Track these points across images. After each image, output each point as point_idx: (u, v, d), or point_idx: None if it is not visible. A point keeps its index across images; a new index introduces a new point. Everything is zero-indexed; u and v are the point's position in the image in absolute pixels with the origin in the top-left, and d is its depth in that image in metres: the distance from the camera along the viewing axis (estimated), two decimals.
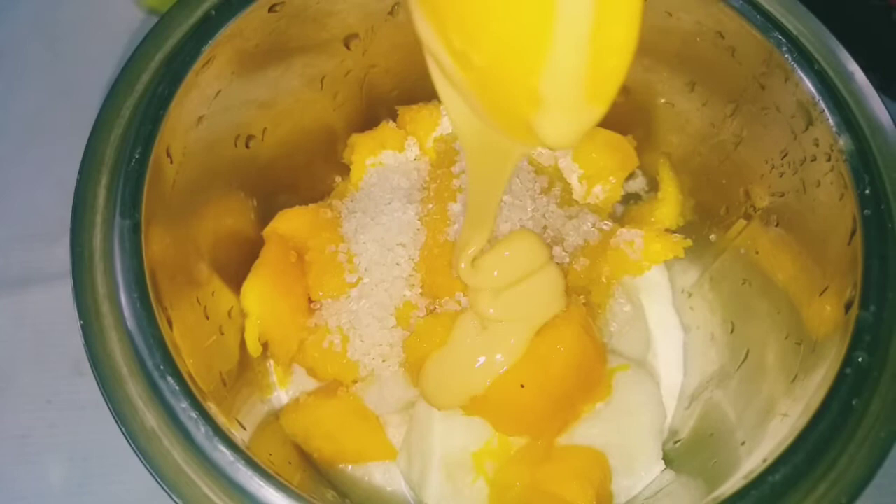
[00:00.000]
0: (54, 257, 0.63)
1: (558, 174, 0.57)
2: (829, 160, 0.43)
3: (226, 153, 0.50)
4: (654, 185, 0.60)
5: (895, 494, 0.54)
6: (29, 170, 0.67)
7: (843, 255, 0.41)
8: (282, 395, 0.56)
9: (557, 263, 0.50)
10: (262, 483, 0.36)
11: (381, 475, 0.53)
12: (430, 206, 0.53)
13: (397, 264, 0.51)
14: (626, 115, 0.57)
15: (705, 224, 0.57)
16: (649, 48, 0.51)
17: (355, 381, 0.52)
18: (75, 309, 0.39)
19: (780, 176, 0.47)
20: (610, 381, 0.51)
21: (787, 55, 0.44)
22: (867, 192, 0.41)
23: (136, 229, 0.40)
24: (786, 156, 0.46)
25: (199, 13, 0.45)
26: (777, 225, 0.49)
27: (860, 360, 0.38)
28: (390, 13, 0.52)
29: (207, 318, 0.46)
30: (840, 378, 0.38)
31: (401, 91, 0.58)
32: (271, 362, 0.56)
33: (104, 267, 0.39)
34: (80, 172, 0.41)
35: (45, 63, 0.71)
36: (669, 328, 0.59)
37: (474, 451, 0.49)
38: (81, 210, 0.40)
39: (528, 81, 0.27)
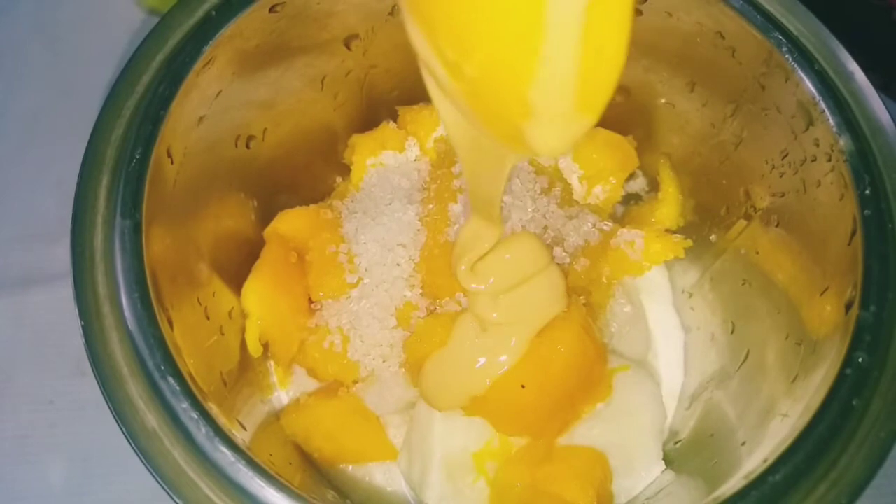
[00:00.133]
0: (54, 257, 0.63)
1: (559, 174, 0.57)
2: (829, 160, 0.43)
3: (226, 153, 0.50)
4: (654, 186, 0.60)
5: (895, 494, 0.54)
6: (29, 170, 0.67)
7: (844, 255, 0.41)
8: (282, 396, 0.56)
9: (558, 264, 0.50)
10: (262, 483, 0.36)
11: (382, 475, 0.53)
12: (431, 206, 0.53)
13: (398, 265, 0.51)
14: (627, 116, 0.57)
15: (706, 224, 0.57)
16: (649, 48, 0.52)
17: (356, 382, 0.52)
18: (76, 309, 0.39)
19: (781, 176, 0.47)
20: (610, 381, 0.51)
21: (787, 55, 0.44)
22: (867, 192, 0.41)
23: (136, 229, 0.40)
24: (786, 156, 0.46)
25: (199, 13, 0.45)
26: (777, 225, 0.49)
27: (860, 360, 0.38)
28: (391, 14, 0.52)
29: (208, 318, 0.46)
30: (840, 378, 0.38)
31: (401, 91, 0.58)
32: (272, 363, 0.56)
33: (105, 267, 0.39)
34: (81, 173, 0.41)
35: (45, 63, 0.71)
36: (670, 328, 0.59)
37: (475, 451, 0.49)
38: (82, 210, 0.40)
39: (518, 92, 0.27)
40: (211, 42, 0.44)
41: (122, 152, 0.41)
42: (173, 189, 0.43)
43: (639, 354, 0.55)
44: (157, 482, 0.36)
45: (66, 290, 0.39)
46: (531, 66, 0.26)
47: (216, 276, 0.48)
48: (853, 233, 0.41)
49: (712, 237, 0.57)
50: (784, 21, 0.45)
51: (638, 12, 0.49)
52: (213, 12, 0.45)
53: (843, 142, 0.42)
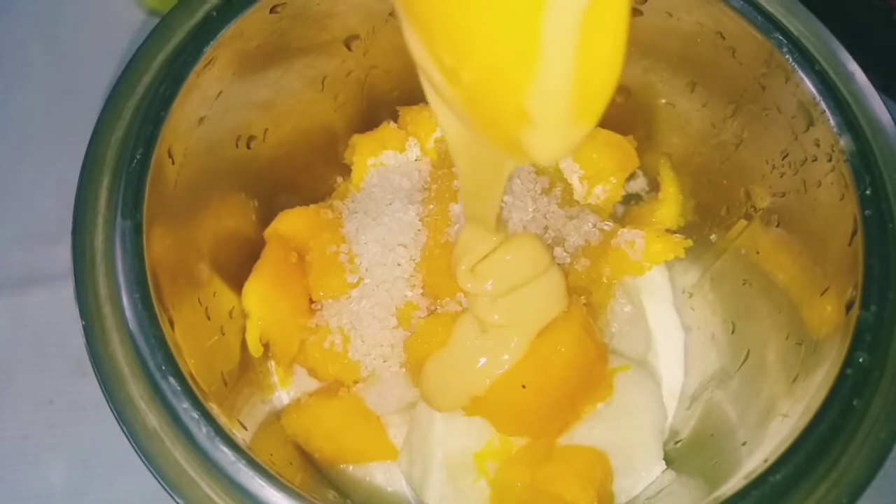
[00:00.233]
0: (55, 258, 0.63)
1: (559, 175, 0.57)
2: (829, 160, 0.43)
3: (227, 154, 0.50)
4: (654, 186, 0.60)
5: (895, 495, 0.54)
6: (29, 170, 0.67)
7: (844, 255, 0.41)
8: (283, 396, 0.56)
9: (559, 264, 0.50)
10: (263, 483, 0.36)
11: (383, 475, 0.53)
12: (432, 206, 0.53)
13: (398, 265, 0.51)
14: (627, 116, 0.57)
15: (706, 224, 0.57)
16: (650, 49, 0.52)
17: (356, 382, 0.52)
18: (76, 309, 0.39)
19: (781, 176, 0.47)
20: (611, 381, 0.51)
21: (787, 56, 0.44)
22: (868, 192, 0.41)
23: (137, 230, 0.40)
24: (786, 156, 0.47)
25: (200, 14, 0.45)
26: (778, 225, 0.49)
27: (861, 360, 0.38)
28: (391, 14, 0.52)
29: (209, 318, 0.46)
30: (841, 378, 0.38)
31: (402, 92, 0.58)
32: (272, 363, 0.56)
33: (106, 268, 0.39)
34: (82, 173, 0.41)
35: (45, 63, 0.71)
36: (670, 328, 0.59)
37: (475, 451, 0.49)
38: (83, 211, 0.40)
39: (515, 99, 0.27)
40: (212, 43, 0.44)
41: (122, 153, 0.41)
42: (174, 189, 0.43)
43: (639, 354, 0.55)
44: (158, 482, 0.36)
45: (67, 291, 0.39)
46: (528, 73, 0.26)
47: (217, 276, 0.48)
48: (854, 233, 0.41)
49: (713, 237, 0.57)
50: (784, 21, 0.45)
51: (638, 12, 0.49)
52: (214, 13, 0.45)
53: (844, 142, 0.42)
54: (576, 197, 0.57)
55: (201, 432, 0.37)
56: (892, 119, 0.43)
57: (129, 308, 0.38)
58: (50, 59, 0.71)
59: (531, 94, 0.27)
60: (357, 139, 0.58)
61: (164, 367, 0.37)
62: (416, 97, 0.58)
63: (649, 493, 0.50)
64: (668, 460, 0.51)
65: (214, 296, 0.48)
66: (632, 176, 0.60)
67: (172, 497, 0.36)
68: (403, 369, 0.51)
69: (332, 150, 0.59)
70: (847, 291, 0.40)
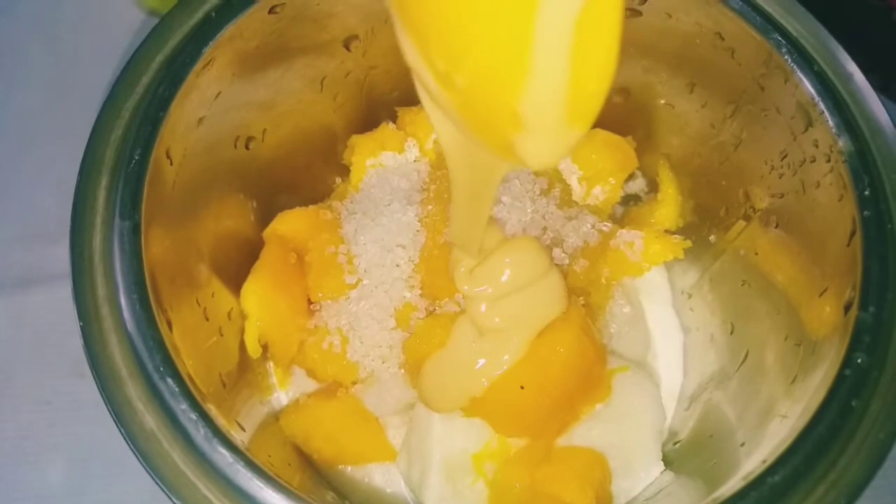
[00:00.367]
0: (54, 258, 0.63)
1: (558, 175, 0.57)
2: (828, 161, 0.43)
3: (226, 154, 0.50)
4: (653, 187, 0.60)
5: (894, 496, 0.54)
6: (29, 170, 0.67)
7: (843, 256, 0.41)
8: (281, 397, 0.56)
9: (557, 265, 0.50)
10: (261, 484, 0.36)
11: (381, 476, 0.53)
12: (430, 207, 0.53)
13: (397, 266, 0.51)
14: (626, 117, 0.57)
15: (705, 225, 0.57)
16: (649, 49, 0.52)
17: (355, 383, 0.52)
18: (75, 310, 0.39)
19: (780, 177, 0.47)
20: (609, 382, 0.50)
21: (786, 56, 0.44)
22: (867, 193, 0.41)
23: (135, 231, 0.40)
24: (785, 157, 0.46)
25: (199, 14, 0.45)
26: (776, 226, 0.49)
27: (859, 361, 0.38)
28: None
29: (207, 319, 0.46)
30: (839, 379, 0.38)
31: (401, 92, 0.58)
32: (271, 364, 0.56)
33: (104, 268, 0.39)
34: (80, 173, 0.41)
35: (45, 63, 0.71)
36: (669, 329, 0.59)
37: (474, 452, 0.49)
38: (81, 211, 0.40)
39: (509, 103, 0.27)
40: (211, 43, 0.44)
41: (121, 153, 0.41)
42: (172, 190, 0.43)
43: (638, 355, 0.55)
44: (156, 483, 0.36)
45: (66, 291, 0.39)
46: (521, 78, 0.26)
47: (215, 276, 0.48)
48: (852, 234, 0.41)
49: (711, 238, 0.57)
50: (783, 22, 0.45)
51: (637, 13, 0.49)
52: (213, 13, 0.45)
53: (843, 143, 0.42)
54: (574, 198, 0.57)
55: (199, 433, 0.37)
56: (891, 120, 0.43)
57: (127, 309, 0.38)
58: (50, 60, 0.71)
59: (524, 98, 0.27)
60: (356, 140, 0.58)
61: (162, 369, 0.37)
62: (415, 98, 0.57)
63: (648, 494, 0.50)
64: (667, 461, 0.51)
65: (213, 297, 0.48)
66: (631, 177, 0.60)
67: (170, 498, 0.36)
68: (402, 370, 0.51)
69: (331, 151, 0.59)
70: (846, 292, 0.40)
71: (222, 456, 0.37)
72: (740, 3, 0.45)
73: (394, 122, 0.59)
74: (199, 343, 0.44)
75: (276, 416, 0.53)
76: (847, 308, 0.40)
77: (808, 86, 0.44)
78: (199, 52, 0.43)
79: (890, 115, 0.43)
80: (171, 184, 0.43)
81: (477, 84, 0.28)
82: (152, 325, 0.38)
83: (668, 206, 0.58)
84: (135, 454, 0.37)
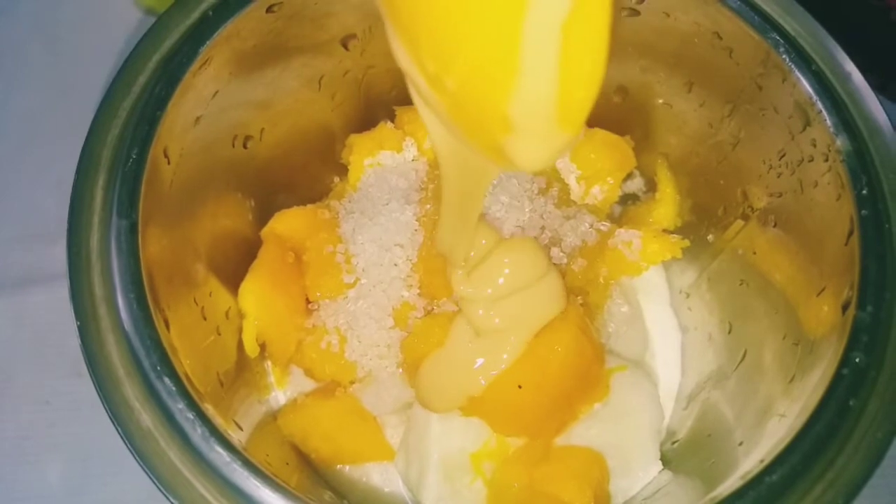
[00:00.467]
0: (54, 257, 0.62)
1: (556, 175, 0.57)
2: (826, 160, 0.43)
3: (223, 154, 0.50)
4: (651, 186, 0.60)
5: (892, 495, 0.54)
6: (29, 170, 0.67)
7: (841, 255, 0.41)
8: (279, 396, 0.56)
9: (555, 264, 0.50)
10: (258, 484, 0.36)
11: (379, 476, 0.53)
12: (428, 206, 0.53)
13: (395, 265, 0.51)
14: (624, 116, 0.57)
15: (703, 224, 0.57)
16: (647, 49, 0.52)
17: (353, 382, 0.52)
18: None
19: (778, 176, 0.47)
20: (608, 381, 0.50)
21: (784, 56, 0.44)
22: (864, 192, 0.41)
23: (133, 230, 0.40)
24: (783, 156, 0.46)
25: (196, 13, 0.45)
26: (775, 225, 0.49)
27: (857, 360, 0.38)
28: None
29: (205, 318, 0.46)
30: (837, 378, 0.38)
31: (399, 91, 0.58)
32: (269, 363, 0.56)
33: (101, 268, 0.39)
34: (77, 173, 0.41)
35: (44, 63, 0.71)
36: (667, 329, 0.59)
37: (472, 451, 0.49)
38: (78, 210, 0.40)
39: (498, 106, 0.28)
40: (208, 42, 0.44)
41: (118, 152, 0.41)
42: (170, 189, 0.43)
43: (636, 354, 0.55)
44: (153, 482, 0.36)
45: (66, 291, 0.39)
46: (510, 81, 0.26)
47: (213, 276, 0.48)
48: (850, 233, 0.41)
49: (710, 237, 0.57)
50: (781, 21, 0.45)
51: (635, 13, 0.49)
52: (210, 12, 0.44)
53: (841, 142, 0.42)
54: (573, 197, 0.57)
55: (196, 433, 0.37)
56: (889, 119, 0.43)
57: (124, 308, 0.38)
58: (50, 59, 0.71)
59: (513, 101, 0.27)
60: (354, 139, 0.58)
61: (159, 368, 0.37)
62: None
63: (646, 494, 0.50)
64: (665, 460, 0.51)
65: (210, 296, 0.48)
66: (629, 176, 0.60)
67: (167, 497, 0.36)
68: (400, 370, 0.51)
69: (329, 150, 0.59)
70: (843, 291, 0.40)
71: (219, 455, 0.36)
72: (738, 2, 0.45)
73: (392, 121, 0.59)
74: (196, 342, 0.44)
75: (273, 416, 0.53)
76: (845, 307, 0.40)
77: (806, 85, 0.44)
78: (196, 51, 0.43)
79: (888, 114, 0.43)
80: (169, 183, 0.43)
81: (466, 86, 0.28)
82: (149, 324, 0.38)
83: (667, 206, 0.58)
84: (132, 453, 0.37)
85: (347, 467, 0.53)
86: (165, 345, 0.38)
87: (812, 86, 0.43)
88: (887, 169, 0.42)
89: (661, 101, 0.55)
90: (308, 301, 0.53)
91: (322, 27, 0.50)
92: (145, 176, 0.40)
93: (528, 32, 0.25)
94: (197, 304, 0.46)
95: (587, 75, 0.27)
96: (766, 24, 0.45)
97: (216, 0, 0.45)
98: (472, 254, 0.46)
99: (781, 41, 0.44)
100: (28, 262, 0.63)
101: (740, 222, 0.52)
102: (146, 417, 0.37)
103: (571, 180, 0.58)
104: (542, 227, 0.52)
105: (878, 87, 0.45)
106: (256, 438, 0.46)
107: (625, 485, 0.50)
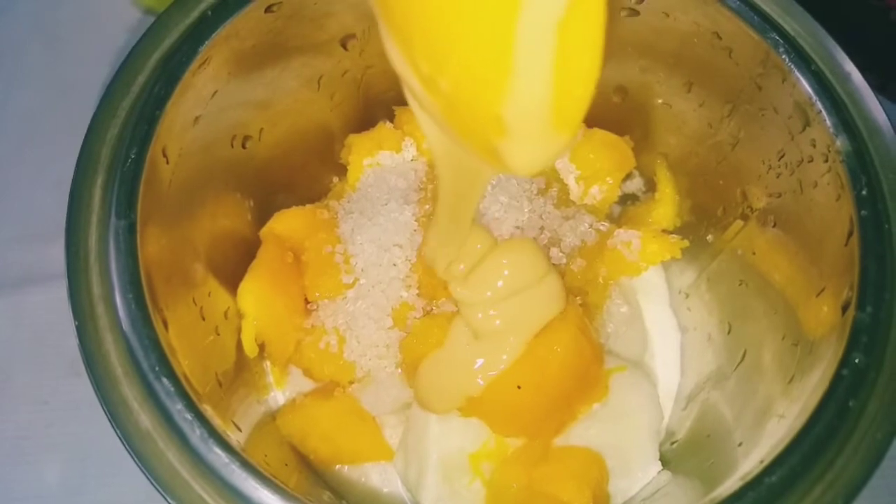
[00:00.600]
0: (53, 257, 0.61)
1: (555, 175, 0.57)
2: (826, 161, 0.43)
3: (222, 153, 0.50)
4: (651, 186, 0.60)
5: (892, 496, 0.54)
6: (28, 170, 0.67)
7: (840, 255, 0.41)
8: (278, 396, 0.56)
9: (554, 264, 0.50)
10: (257, 485, 0.36)
11: (378, 476, 0.53)
12: (428, 206, 0.53)
13: (394, 265, 0.51)
14: (623, 116, 0.57)
15: (702, 225, 0.57)
16: (646, 49, 0.52)
17: (352, 382, 0.52)
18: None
19: (777, 177, 0.47)
20: (607, 382, 0.50)
21: (784, 56, 0.44)
22: (864, 192, 0.41)
23: (131, 230, 0.39)
24: (783, 156, 0.46)
25: (195, 13, 0.44)
26: (774, 226, 0.48)
27: (857, 361, 0.38)
28: None
29: (203, 318, 0.46)
30: (837, 379, 0.38)
31: (398, 91, 0.57)
32: (268, 363, 0.56)
33: (99, 268, 0.39)
34: (76, 172, 0.41)
35: (44, 62, 0.71)
36: (666, 329, 0.59)
37: (471, 452, 0.48)
38: (77, 210, 0.40)
39: (492, 109, 0.27)
40: (207, 42, 0.44)
41: (117, 152, 0.41)
42: (168, 189, 0.43)
43: (635, 355, 0.55)
44: (151, 483, 0.36)
45: (64, 291, 0.39)
46: (503, 83, 0.26)
47: (212, 276, 0.48)
48: (850, 233, 0.41)
49: (709, 238, 0.57)
50: (781, 21, 0.45)
51: (635, 13, 0.49)
52: (209, 12, 0.44)
53: (840, 142, 0.42)
54: (572, 197, 0.57)
55: (195, 434, 0.37)
56: (889, 119, 0.43)
57: (122, 308, 0.38)
58: (49, 59, 0.71)
59: (507, 104, 0.27)
60: (353, 139, 0.58)
61: (157, 368, 0.37)
62: None
63: (645, 494, 0.50)
64: (665, 461, 0.51)
65: (209, 296, 0.48)
66: (628, 176, 0.60)
67: (165, 498, 0.36)
68: (399, 370, 0.51)
69: (329, 150, 0.59)
70: (843, 292, 0.40)
71: (218, 456, 0.36)
72: (738, 2, 0.45)
73: (391, 121, 0.59)
74: (195, 342, 0.44)
75: (272, 416, 0.53)
76: (844, 308, 0.40)
77: (805, 85, 0.44)
78: (195, 50, 0.43)
79: (887, 114, 0.43)
80: (167, 183, 0.43)
81: (460, 87, 0.28)
82: (148, 324, 0.38)
83: (666, 206, 0.58)
84: (130, 454, 0.36)
85: (346, 468, 0.53)
86: (164, 345, 0.38)
87: (812, 86, 0.43)
88: (887, 169, 0.42)
89: (660, 101, 0.55)
90: (307, 301, 0.53)
91: (321, 27, 0.50)
92: (144, 176, 0.40)
93: (522, 33, 0.25)
94: (196, 304, 0.46)
95: (582, 77, 0.27)
96: (765, 23, 0.45)
97: (215, 0, 0.45)
98: (462, 266, 0.46)
99: (781, 41, 0.44)
100: (27, 262, 0.63)
101: (740, 222, 0.52)
102: (144, 418, 0.37)
103: (570, 180, 0.58)
104: (541, 228, 0.52)
105: (878, 88, 0.45)
106: (255, 439, 0.46)
107: (624, 485, 0.50)
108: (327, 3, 0.49)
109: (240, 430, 0.44)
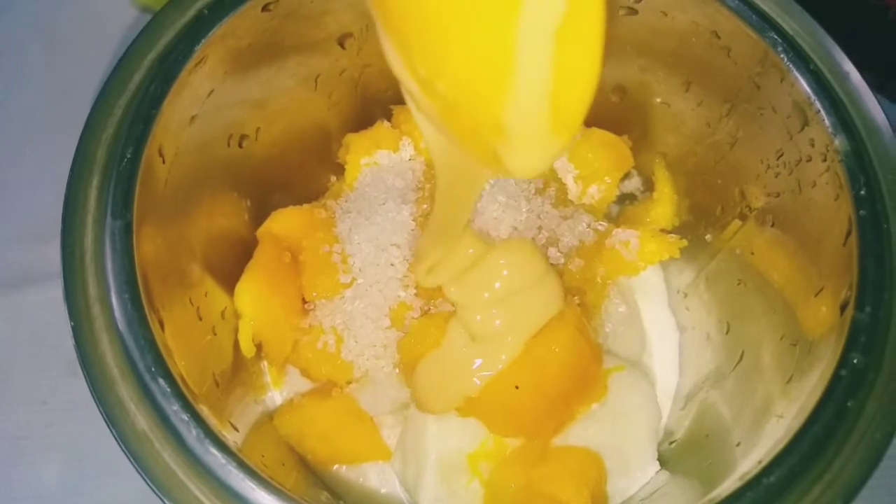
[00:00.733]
0: (52, 257, 0.61)
1: (553, 174, 0.57)
2: (824, 160, 0.43)
3: (219, 153, 0.49)
4: (649, 186, 0.60)
5: (891, 496, 0.54)
6: (26, 170, 0.67)
7: (839, 255, 0.41)
8: (276, 396, 0.55)
9: (553, 264, 0.50)
10: (253, 485, 0.36)
11: (376, 476, 0.53)
12: (425, 206, 0.53)
13: (392, 265, 0.51)
14: (622, 115, 0.57)
15: (701, 224, 0.57)
16: (645, 48, 0.51)
17: (349, 382, 0.52)
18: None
19: (776, 176, 0.47)
20: (605, 381, 0.50)
21: (782, 55, 0.44)
22: (863, 192, 0.41)
23: (127, 230, 0.39)
24: (781, 156, 0.46)
25: (191, 12, 0.44)
26: (773, 225, 0.48)
27: (855, 361, 0.38)
28: None
29: (200, 318, 0.46)
30: (835, 379, 0.38)
31: (396, 90, 0.56)
32: (265, 363, 0.55)
33: (95, 268, 0.39)
34: (72, 172, 0.41)
35: (43, 62, 0.71)
36: (665, 329, 0.59)
37: (469, 452, 0.48)
38: (73, 210, 0.40)
39: (491, 112, 0.27)
40: (203, 41, 0.43)
41: (113, 152, 0.41)
42: (165, 189, 0.43)
43: (634, 355, 0.55)
44: (147, 484, 0.36)
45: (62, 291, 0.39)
46: (503, 87, 0.26)
47: (208, 276, 0.48)
48: (848, 233, 0.41)
49: (707, 237, 0.56)
50: (779, 20, 0.45)
51: (633, 12, 0.49)
52: (206, 11, 0.44)
53: (839, 142, 0.42)
54: (570, 197, 0.57)
55: (191, 434, 0.36)
56: (887, 119, 0.43)
57: (118, 309, 0.38)
58: (48, 59, 0.71)
59: (506, 106, 0.27)
60: (351, 138, 0.58)
61: (153, 369, 0.37)
62: None
63: (644, 494, 0.50)
64: (663, 461, 0.51)
65: (206, 296, 0.47)
66: (626, 176, 0.60)
67: (161, 499, 0.36)
68: (397, 370, 0.51)
69: (326, 150, 0.59)
70: (842, 292, 0.40)
71: (214, 457, 0.36)
72: (736, 1, 0.45)
73: (389, 120, 0.59)
74: (191, 342, 0.44)
75: (270, 416, 0.53)
76: (843, 308, 0.40)
77: (804, 85, 0.43)
78: (191, 49, 0.43)
79: (886, 114, 0.43)
80: (164, 182, 0.43)
81: (458, 90, 0.28)
82: (144, 324, 0.38)
83: (664, 205, 0.58)
84: (126, 455, 0.36)
85: (344, 468, 0.53)
86: (160, 345, 0.38)
87: (810, 85, 0.43)
88: (885, 169, 0.42)
89: (658, 100, 0.55)
90: (304, 301, 0.53)
91: (318, 26, 0.50)
92: (140, 175, 0.40)
93: (522, 36, 0.25)
94: (192, 305, 0.45)
95: (582, 80, 0.27)
96: (764, 23, 0.45)
97: None
98: (445, 270, 0.46)
99: (779, 40, 0.44)
100: (25, 262, 0.63)
101: (738, 222, 0.52)
102: (141, 419, 0.37)
103: (569, 180, 0.58)
104: (540, 227, 0.52)
105: (877, 87, 0.45)
106: (252, 439, 0.46)
107: (622, 485, 0.50)
108: (324, 2, 0.49)
109: (237, 430, 0.43)
